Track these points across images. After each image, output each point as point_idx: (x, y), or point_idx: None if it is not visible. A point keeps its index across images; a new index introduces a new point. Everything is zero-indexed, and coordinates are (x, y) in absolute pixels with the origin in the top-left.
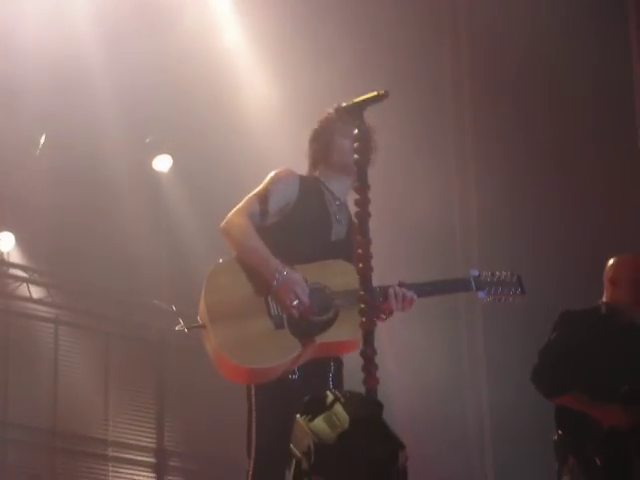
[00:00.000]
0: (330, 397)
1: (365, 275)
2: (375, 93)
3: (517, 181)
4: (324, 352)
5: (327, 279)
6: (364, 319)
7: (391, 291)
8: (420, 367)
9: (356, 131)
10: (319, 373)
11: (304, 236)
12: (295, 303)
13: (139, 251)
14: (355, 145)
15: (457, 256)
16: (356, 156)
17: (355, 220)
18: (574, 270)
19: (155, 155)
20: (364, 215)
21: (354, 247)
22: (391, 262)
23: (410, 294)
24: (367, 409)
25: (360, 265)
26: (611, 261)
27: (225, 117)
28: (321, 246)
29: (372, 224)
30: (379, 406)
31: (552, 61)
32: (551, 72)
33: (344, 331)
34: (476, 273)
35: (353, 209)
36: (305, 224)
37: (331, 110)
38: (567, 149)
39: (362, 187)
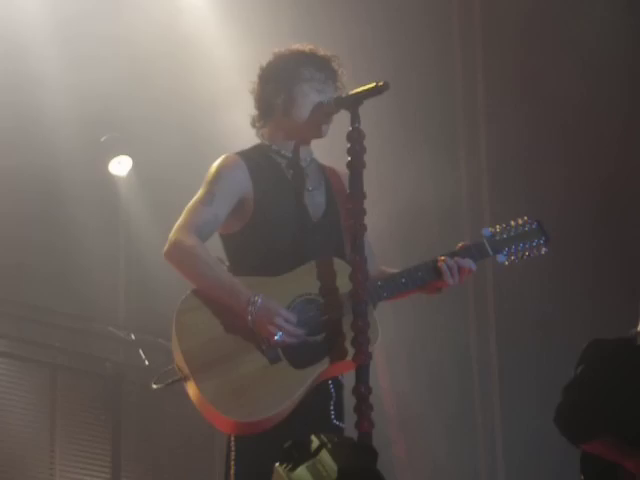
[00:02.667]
0: (315, 442)
1: (359, 298)
2: (373, 84)
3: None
4: (325, 375)
5: (317, 284)
6: (357, 351)
7: (443, 266)
8: (423, 399)
9: (349, 129)
10: (318, 403)
11: (280, 235)
12: (277, 337)
13: (92, 269)
14: (348, 145)
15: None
16: (349, 158)
17: (350, 233)
18: (601, 278)
19: (112, 156)
20: (359, 228)
21: (342, 212)
22: (391, 251)
23: (468, 263)
24: (359, 457)
25: (353, 286)
26: None
27: (192, 113)
28: (303, 237)
29: (375, 210)
30: (373, 454)
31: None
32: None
33: (334, 350)
34: (489, 232)
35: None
36: (276, 219)
37: (303, 47)
38: (586, 131)
39: (357, 195)
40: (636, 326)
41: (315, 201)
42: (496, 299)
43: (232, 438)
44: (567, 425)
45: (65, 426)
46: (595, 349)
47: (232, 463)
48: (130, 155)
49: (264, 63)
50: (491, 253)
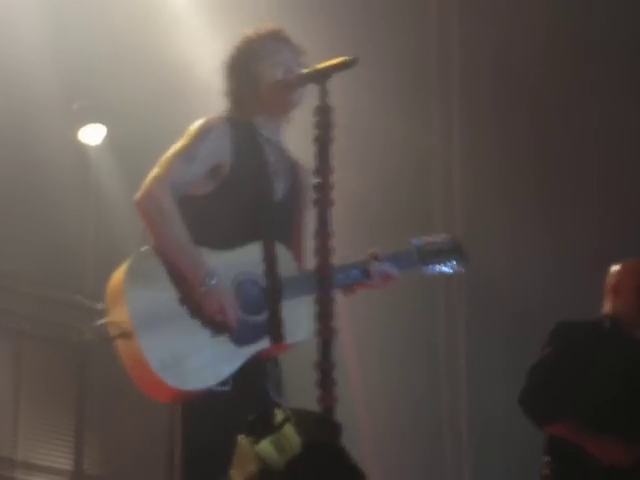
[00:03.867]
0: (280, 416)
1: (324, 274)
2: (343, 59)
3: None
4: (262, 355)
5: (260, 266)
6: (321, 326)
7: (374, 270)
8: (390, 377)
9: (317, 104)
10: (255, 380)
11: (245, 207)
12: (219, 317)
13: (60, 236)
14: (316, 119)
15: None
16: (317, 132)
17: (315, 206)
18: (570, 266)
19: (84, 124)
20: (325, 203)
21: (298, 202)
22: (355, 231)
23: (394, 271)
24: (323, 431)
25: (318, 261)
26: (614, 268)
27: (168, 79)
28: (263, 215)
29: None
30: (337, 428)
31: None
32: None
33: (297, 332)
34: (419, 243)
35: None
36: (245, 192)
37: (249, 33)
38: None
39: (324, 169)
40: (604, 307)
41: (279, 184)
42: (465, 290)
43: (178, 413)
44: (531, 407)
45: (29, 393)
46: (562, 331)
47: (181, 434)
48: (103, 123)
49: (223, 64)
50: (418, 264)
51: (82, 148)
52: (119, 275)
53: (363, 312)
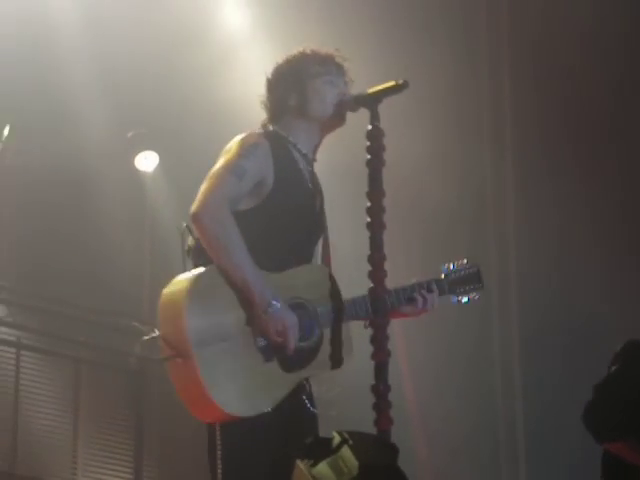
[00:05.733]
0: (337, 438)
1: (378, 296)
2: (393, 83)
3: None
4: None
5: (304, 289)
6: (376, 349)
7: (419, 298)
8: (446, 396)
9: (369, 127)
10: (293, 396)
11: (287, 226)
12: (281, 340)
13: (118, 264)
14: (367, 144)
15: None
16: (368, 156)
17: (368, 232)
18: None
19: (139, 151)
20: (378, 226)
21: (324, 213)
22: (407, 254)
23: (436, 300)
24: (380, 454)
25: (373, 284)
26: None
27: (219, 108)
28: (305, 234)
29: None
30: (394, 450)
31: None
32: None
33: (334, 359)
34: (445, 271)
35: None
36: (287, 210)
37: (304, 49)
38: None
39: (376, 192)
40: None
41: (315, 197)
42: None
43: (218, 431)
44: (594, 423)
45: (88, 420)
46: (631, 349)
47: (218, 455)
48: (156, 150)
49: (269, 75)
50: (447, 292)
51: (137, 175)
52: (180, 292)
53: (417, 333)
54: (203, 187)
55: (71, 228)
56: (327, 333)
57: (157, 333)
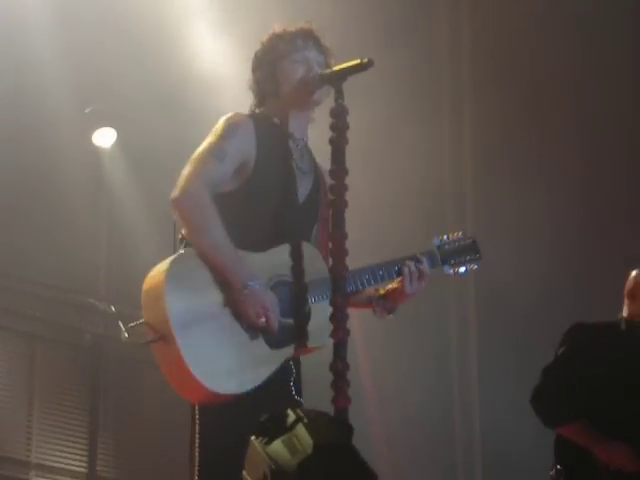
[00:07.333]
0: (292, 416)
1: (338, 274)
2: (358, 61)
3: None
4: (293, 356)
5: (289, 267)
6: (335, 327)
7: (405, 269)
8: (403, 383)
9: (333, 105)
10: (279, 379)
11: (269, 206)
12: (262, 321)
13: (73, 240)
14: (331, 121)
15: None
16: (332, 134)
17: (329, 208)
18: (585, 271)
19: (96, 128)
20: (340, 204)
21: (322, 202)
22: (371, 235)
23: (427, 269)
24: (335, 433)
25: (332, 262)
26: (633, 273)
27: (180, 84)
28: (289, 214)
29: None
30: (349, 429)
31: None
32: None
33: (324, 334)
34: (438, 242)
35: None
36: (269, 190)
37: (277, 30)
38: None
39: (339, 171)
40: (621, 311)
41: (304, 183)
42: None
43: (197, 411)
44: (542, 407)
45: (43, 396)
46: (578, 332)
47: (197, 436)
48: (114, 127)
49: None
50: (440, 263)
51: (95, 151)
52: (159, 276)
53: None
54: (185, 171)
55: (27, 204)
56: (315, 308)
57: (141, 320)
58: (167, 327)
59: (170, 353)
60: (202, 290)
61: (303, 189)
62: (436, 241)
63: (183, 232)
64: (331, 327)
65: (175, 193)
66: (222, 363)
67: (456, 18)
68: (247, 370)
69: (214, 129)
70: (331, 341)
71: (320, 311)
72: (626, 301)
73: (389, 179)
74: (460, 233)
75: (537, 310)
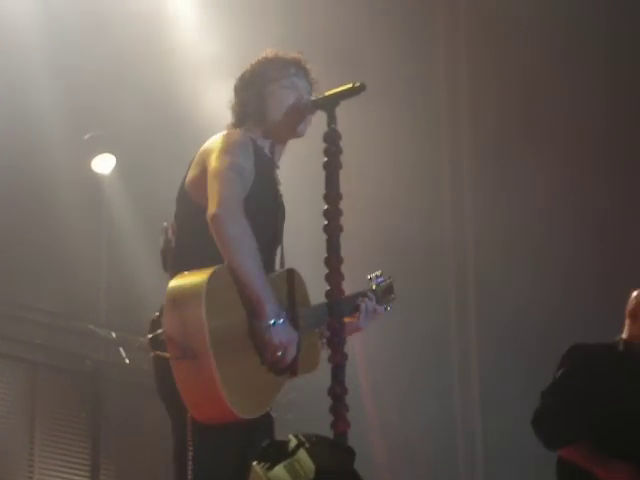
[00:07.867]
0: (293, 441)
1: (335, 299)
2: (350, 85)
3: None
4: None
5: (285, 295)
6: (333, 352)
7: (362, 306)
8: (405, 407)
9: (326, 130)
10: None
11: (259, 226)
12: (279, 355)
13: (73, 267)
14: (325, 146)
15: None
16: (325, 159)
17: (325, 234)
18: (586, 296)
19: (95, 154)
20: (335, 229)
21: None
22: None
23: (376, 305)
24: (337, 457)
25: (329, 288)
26: (634, 293)
27: (177, 110)
28: (275, 233)
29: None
30: (351, 454)
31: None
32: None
33: (310, 361)
34: (378, 281)
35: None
36: (261, 211)
37: (269, 54)
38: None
39: (333, 196)
40: (621, 332)
41: (282, 207)
42: (478, 300)
43: (190, 432)
44: (543, 429)
45: (44, 423)
46: (576, 354)
47: (189, 455)
48: (113, 153)
49: (236, 80)
50: (380, 303)
51: (93, 178)
52: (196, 288)
53: (374, 336)
54: (214, 188)
55: (27, 231)
56: (304, 337)
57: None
58: (203, 342)
59: (200, 369)
60: (234, 309)
61: (281, 214)
62: (378, 279)
63: (167, 243)
64: (311, 356)
65: (213, 208)
66: (243, 385)
67: (453, 20)
68: (260, 394)
69: (214, 147)
70: (313, 370)
71: (304, 340)
72: (627, 321)
73: (389, 179)
74: (379, 272)
75: (541, 334)
